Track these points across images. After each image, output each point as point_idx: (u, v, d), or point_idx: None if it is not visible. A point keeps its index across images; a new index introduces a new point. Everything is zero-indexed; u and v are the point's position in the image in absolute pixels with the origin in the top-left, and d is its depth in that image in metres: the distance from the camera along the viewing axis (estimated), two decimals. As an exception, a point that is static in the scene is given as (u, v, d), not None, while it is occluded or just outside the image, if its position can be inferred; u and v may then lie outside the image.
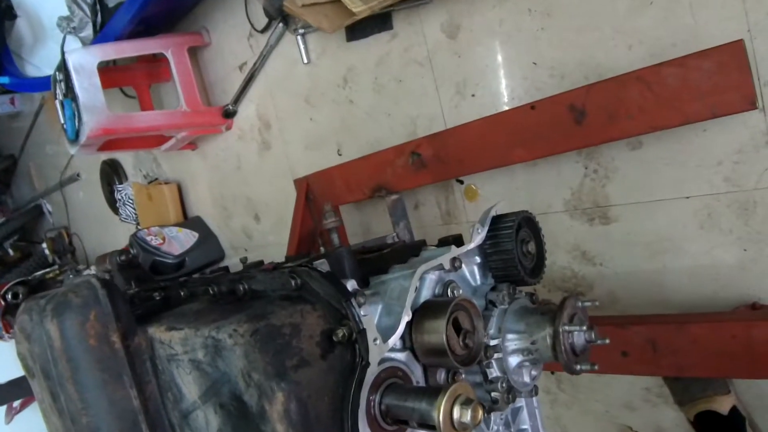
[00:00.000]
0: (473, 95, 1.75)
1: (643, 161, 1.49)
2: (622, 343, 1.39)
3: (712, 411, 1.42)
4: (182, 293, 0.95)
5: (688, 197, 1.45)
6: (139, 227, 3.57)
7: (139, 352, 0.80)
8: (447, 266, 0.81)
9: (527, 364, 0.89)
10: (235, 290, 0.79)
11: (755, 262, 1.39)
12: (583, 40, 1.51)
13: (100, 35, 2.56)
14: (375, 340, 0.64)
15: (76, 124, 2.41)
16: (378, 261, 0.90)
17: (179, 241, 2.97)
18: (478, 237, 0.88)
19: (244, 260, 1.27)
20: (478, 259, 0.93)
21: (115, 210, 3.86)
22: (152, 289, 1.05)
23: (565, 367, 0.83)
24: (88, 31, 2.66)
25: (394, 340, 0.67)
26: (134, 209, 3.60)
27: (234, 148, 2.74)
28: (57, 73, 2.42)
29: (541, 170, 1.66)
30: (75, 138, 2.45)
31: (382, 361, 0.68)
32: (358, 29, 1.94)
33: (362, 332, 0.63)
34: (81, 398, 0.79)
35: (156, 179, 3.43)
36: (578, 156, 1.58)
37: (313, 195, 2.07)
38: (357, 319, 0.63)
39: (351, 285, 0.67)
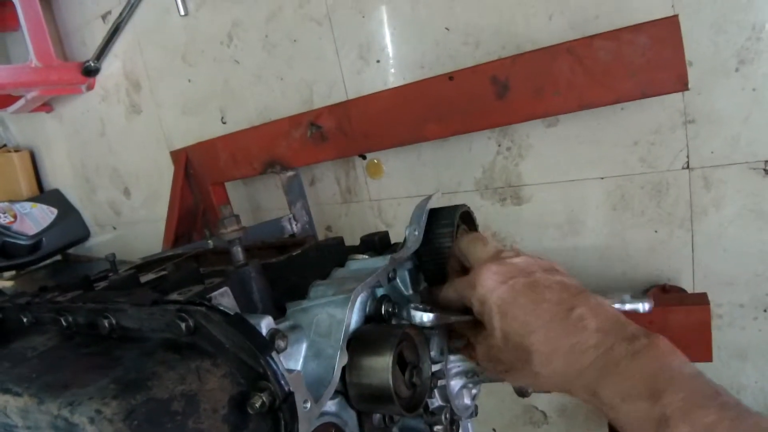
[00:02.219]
0: (378, 61, 1.57)
1: (559, 139, 1.41)
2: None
3: None
4: (24, 320, 0.71)
5: (602, 177, 1.40)
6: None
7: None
8: (384, 282, 0.65)
9: (470, 384, 0.76)
10: (96, 324, 0.57)
11: (665, 243, 1.38)
12: (500, 6, 1.38)
13: None
14: (305, 402, 0.47)
15: None
16: (289, 271, 0.71)
17: (34, 218, 2.56)
18: (416, 241, 0.72)
19: (111, 258, 1.02)
20: (409, 264, 0.77)
21: (-48, 180, 3.31)
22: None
23: (517, 390, 0.71)
24: None
25: (327, 397, 0.50)
26: (-23, 179, 3.09)
27: (97, 111, 2.37)
28: None
29: (452, 146, 1.53)
30: None
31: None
32: (246, -22, 1.69)
33: (289, 396, 0.45)
34: None
35: (4, 145, 2.94)
36: (491, 132, 1.47)
37: (194, 169, 1.81)
38: (281, 379, 0.45)
39: (266, 324, 0.48)
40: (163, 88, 2.09)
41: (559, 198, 1.46)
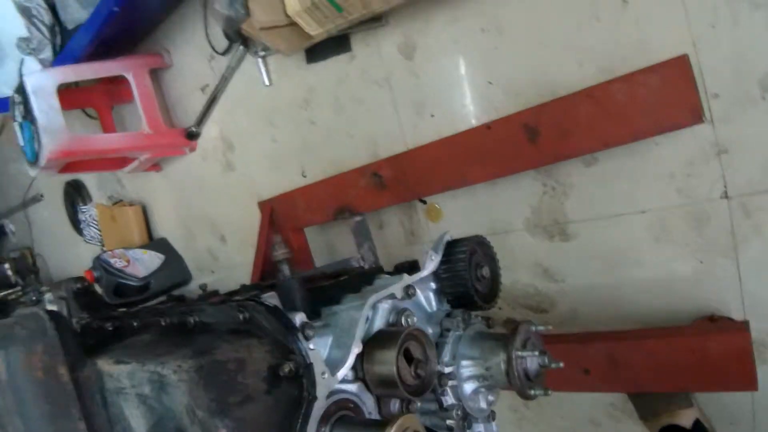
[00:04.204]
0: (432, 115, 1.77)
1: (599, 177, 1.52)
2: (583, 360, 1.41)
3: (675, 425, 1.43)
4: (134, 324, 0.94)
5: (643, 211, 1.48)
6: (103, 249, 3.51)
7: (87, 385, 0.79)
8: (399, 295, 0.82)
9: (483, 390, 0.90)
10: (185, 322, 0.78)
11: (710, 273, 1.41)
12: (535, 58, 1.54)
13: (60, 57, 2.52)
14: (323, 373, 0.64)
15: (36, 146, 2.36)
16: (332, 290, 0.90)
17: (144, 263, 2.92)
18: (431, 264, 0.89)
19: (203, 287, 1.26)
20: (433, 285, 0.94)
21: (79, 231, 3.79)
22: (104, 318, 1.03)
23: (519, 393, 0.84)
24: (47, 53, 2.62)
25: (343, 373, 0.67)
26: (98, 230, 3.54)
27: (198, 170, 2.71)
28: (15, 95, 2.38)
29: (502, 189, 1.68)
30: (35, 160, 2.40)
31: (333, 393, 0.68)
32: (317, 51, 1.95)
33: (309, 366, 0.63)
34: (28, 431, 0.77)
35: (120, 200, 3.37)
36: (536, 173, 1.61)
37: (277, 217, 2.06)
38: (303, 353, 0.63)
39: (299, 318, 0.66)
40: (253, 147, 2.38)
41: (604, 233, 1.56)
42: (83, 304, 1.22)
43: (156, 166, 2.92)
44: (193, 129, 2.59)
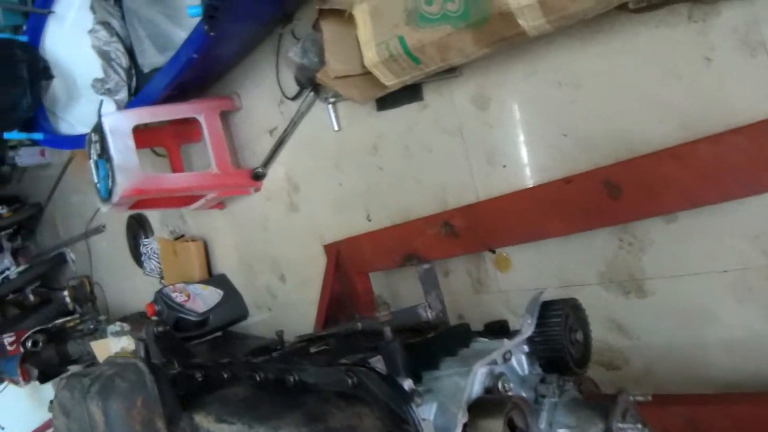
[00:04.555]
0: (504, 166, 1.77)
1: (679, 234, 1.48)
2: (659, 424, 1.35)
3: None
4: (224, 375, 0.95)
5: (725, 270, 1.44)
6: (162, 281, 3.59)
7: (185, 441, 0.80)
8: (500, 361, 0.81)
9: (577, 457, 0.87)
10: (283, 380, 0.79)
11: (799, 338, 1.36)
12: (612, 113, 1.53)
13: (136, 98, 2.64)
14: (434, 444, 0.64)
15: (110, 183, 2.46)
16: (425, 349, 0.89)
17: (203, 298, 2.98)
18: (529, 328, 0.87)
19: (280, 334, 1.27)
20: (525, 348, 0.92)
21: (140, 263, 3.89)
22: (193, 367, 1.05)
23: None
24: (123, 94, 2.75)
25: (452, 443, 0.67)
26: (159, 264, 3.63)
27: (261, 209, 2.77)
28: (92, 134, 2.49)
29: (575, 241, 1.66)
30: (108, 197, 2.49)
31: (439, 463, 0.67)
32: (389, 99, 1.98)
33: (422, 437, 0.62)
34: (125, 486, 0.79)
35: (182, 235, 3.46)
36: (612, 228, 1.58)
37: (343, 261, 2.08)
38: (417, 423, 0.62)
39: (408, 385, 0.66)
40: (318, 190, 2.42)
41: (683, 291, 1.51)
42: (163, 348, 1.24)
43: (220, 204, 2.99)
44: (260, 170, 2.65)
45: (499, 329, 0.97)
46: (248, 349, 1.26)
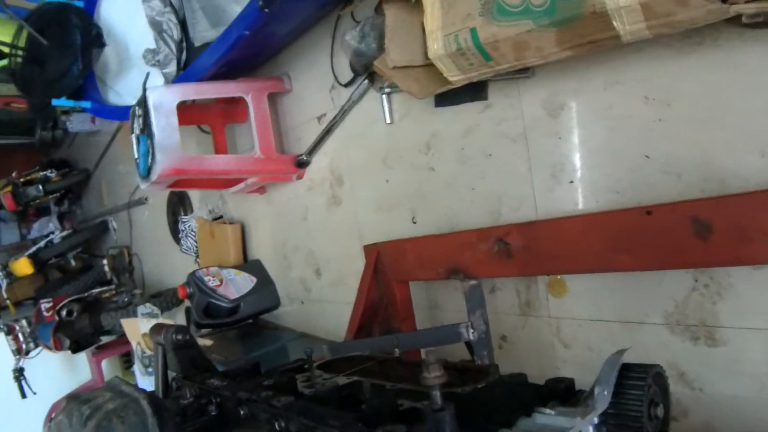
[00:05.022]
0: (571, 182, 1.59)
1: (765, 282, 1.29)
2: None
3: None
4: (241, 412, 0.82)
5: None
6: (198, 261, 3.53)
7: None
8: (569, 443, 0.66)
9: None
10: (306, 438, 0.65)
11: None
12: (706, 138, 1.34)
13: (183, 73, 2.55)
14: None
15: (149, 161, 2.37)
16: (474, 404, 0.75)
17: (236, 284, 2.89)
18: (604, 402, 0.72)
19: (309, 353, 1.14)
20: (595, 419, 0.77)
21: (177, 240, 3.85)
22: (209, 392, 0.93)
23: None
24: (172, 68, 2.66)
25: None
26: (195, 242, 3.57)
27: (302, 198, 2.65)
28: (136, 108, 2.41)
29: (642, 274, 1.47)
30: (146, 175, 2.41)
31: None
32: (449, 95, 1.82)
33: None
34: None
35: (220, 217, 3.38)
36: (688, 265, 1.40)
37: (382, 265, 1.93)
38: None
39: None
40: (363, 185, 2.28)
41: (762, 346, 1.33)
42: (181, 359, 1.13)
43: (260, 189, 2.89)
44: (304, 157, 2.53)
45: (564, 391, 0.82)
46: (272, 367, 1.13)
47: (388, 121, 2.08)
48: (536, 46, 1.34)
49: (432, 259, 1.76)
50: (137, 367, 3.14)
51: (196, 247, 3.52)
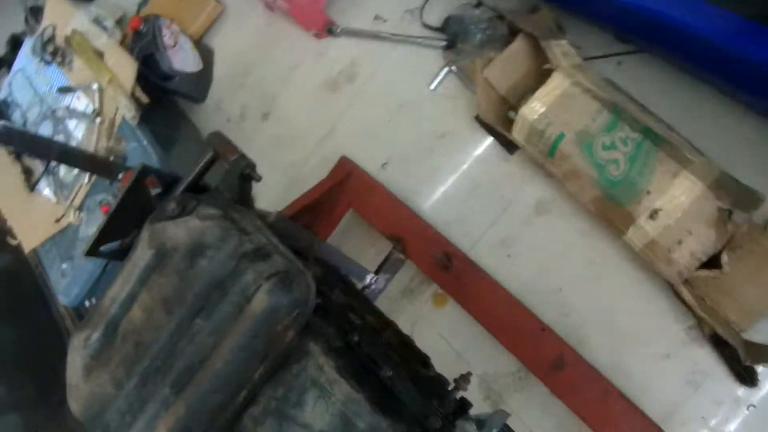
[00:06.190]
0: (508, 256, 2.03)
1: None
2: None
3: None
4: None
5: None
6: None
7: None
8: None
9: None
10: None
11: None
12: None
13: None
14: None
15: None
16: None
17: (185, 57, 2.86)
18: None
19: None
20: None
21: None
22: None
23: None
24: None
25: None
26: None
27: (302, 55, 2.70)
28: None
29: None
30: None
31: None
32: (491, 128, 2.10)
33: None
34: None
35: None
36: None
37: (345, 185, 2.19)
38: None
39: None
40: (368, 103, 2.47)
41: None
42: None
43: (275, 10, 2.83)
44: (337, 29, 2.57)
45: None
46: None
47: (432, 87, 2.29)
48: (581, 185, 1.74)
49: (389, 217, 2.08)
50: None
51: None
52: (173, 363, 0.98)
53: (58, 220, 2.25)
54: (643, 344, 1.82)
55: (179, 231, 1.03)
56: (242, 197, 1.34)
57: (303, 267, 0.99)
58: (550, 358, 1.73)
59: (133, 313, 1.04)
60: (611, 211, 1.70)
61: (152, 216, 1.11)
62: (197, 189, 1.37)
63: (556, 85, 1.78)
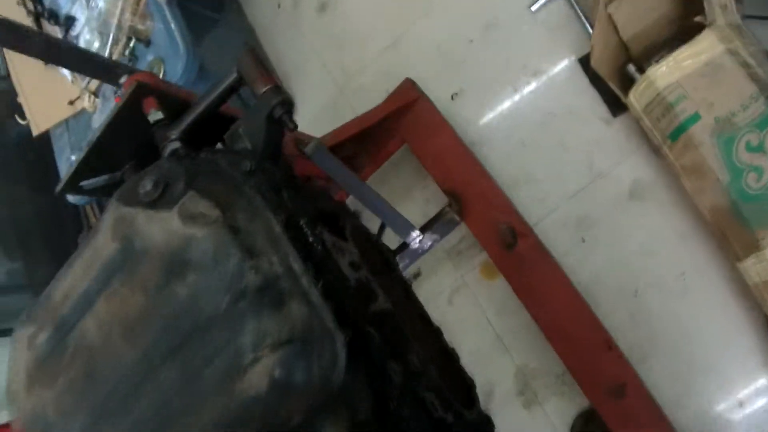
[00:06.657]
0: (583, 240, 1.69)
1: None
2: None
3: None
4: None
5: None
6: None
7: None
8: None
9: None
10: None
11: None
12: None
13: None
14: None
15: None
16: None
17: None
18: None
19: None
20: None
21: None
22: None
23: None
24: None
25: None
26: None
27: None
28: None
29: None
30: None
31: None
32: (596, 74, 1.68)
33: None
34: None
35: None
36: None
37: (406, 121, 1.82)
38: None
39: None
40: (449, 21, 2.03)
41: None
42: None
43: None
44: None
45: None
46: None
47: (533, 9, 1.83)
48: (702, 186, 1.38)
49: (450, 167, 1.73)
50: None
51: None
52: (132, 410, 0.71)
53: (71, 102, 1.96)
54: (717, 383, 1.53)
55: (153, 229, 0.71)
56: (268, 148, 1.00)
57: (333, 324, 0.67)
58: (610, 384, 1.45)
59: (87, 324, 0.76)
60: (732, 228, 1.33)
61: (121, 190, 0.79)
62: (215, 127, 1.05)
63: (704, 47, 1.34)
